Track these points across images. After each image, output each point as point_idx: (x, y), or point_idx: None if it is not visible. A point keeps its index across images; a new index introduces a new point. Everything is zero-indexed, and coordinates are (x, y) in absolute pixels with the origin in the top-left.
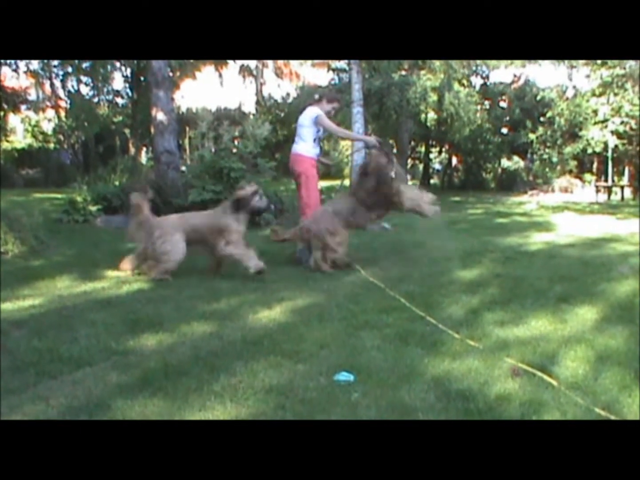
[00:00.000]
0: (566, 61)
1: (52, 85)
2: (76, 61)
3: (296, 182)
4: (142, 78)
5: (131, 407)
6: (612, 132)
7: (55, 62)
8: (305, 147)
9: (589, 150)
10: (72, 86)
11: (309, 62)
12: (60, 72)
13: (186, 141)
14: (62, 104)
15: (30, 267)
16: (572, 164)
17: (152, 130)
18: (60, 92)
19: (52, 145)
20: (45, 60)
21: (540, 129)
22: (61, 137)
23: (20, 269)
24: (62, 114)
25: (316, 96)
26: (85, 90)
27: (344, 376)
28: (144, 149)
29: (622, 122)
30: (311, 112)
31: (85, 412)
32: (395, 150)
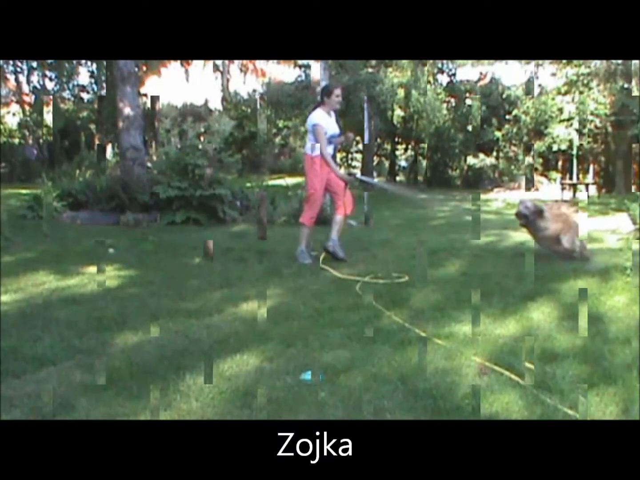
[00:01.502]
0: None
1: (16, 79)
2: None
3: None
4: (108, 73)
5: (95, 407)
6: (577, 130)
7: None
8: (309, 146)
9: (555, 148)
10: (38, 81)
11: None
12: (25, 67)
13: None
14: (27, 98)
15: None
16: (538, 161)
17: (118, 125)
18: (25, 87)
19: (16, 141)
20: None
21: (506, 127)
22: (26, 132)
23: None
24: (27, 108)
25: (319, 98)
26: (50, 85)
27: (310, 375)
28: (110, 144)
29: (587, 120)
30: (310, 119)
31: (48, 412)
32: (361, 147)
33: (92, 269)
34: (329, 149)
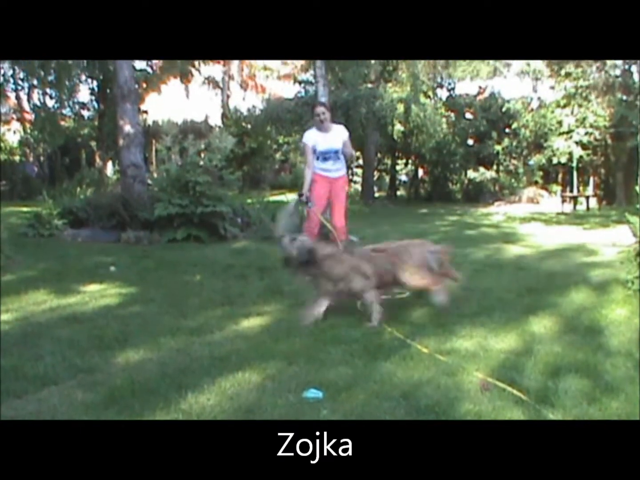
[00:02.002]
0: (531, 73)
1: (17, 97)
2: (42, 73)
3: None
4: (108, 90)
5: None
6: (577, 143)
7: (21, 75)
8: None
9: (554, 161)
10: (39, 99)
11: (275, 74)
12: (26, 85)
13: (152, 154)
14: (28, 116)
15: None
16: (538, 174)
17: (119, 143)
18: (26, 105)
19: (17, 158)
20: (10, 73)
21: (506, 140)
22: (27, 149)
23: None
24: (28, 126)
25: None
26: (51, 103)
27: (312, 393)
28: (110, 161)
29: (586, 133)
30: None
31: None
32: (361, 162)
33: (93, 287)
34: (327, 165)
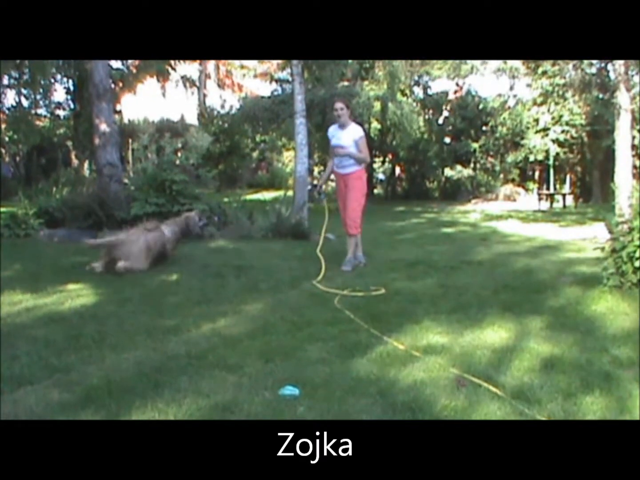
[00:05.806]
0: (507, 71)
1: None
2: (15, 73)
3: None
4: (84, 89)
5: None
6: (553, 141)
7: None
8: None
9: (531, 159)
10: (14, 98)
11: (252, 73)
12: None
13: (129, 153)
14: (2, 116)
15: None
16: (515, 172)
17: (95, 142)
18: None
19: None
20: None
21: (483, 138)
22: (2, 149)
23: None
24: (3, 126)
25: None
26: (26, 103)
27: (289, 390)
28: (87, 161)
29: (562, 131)
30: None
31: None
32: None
33: (70, 286)
34: (336, 161)
